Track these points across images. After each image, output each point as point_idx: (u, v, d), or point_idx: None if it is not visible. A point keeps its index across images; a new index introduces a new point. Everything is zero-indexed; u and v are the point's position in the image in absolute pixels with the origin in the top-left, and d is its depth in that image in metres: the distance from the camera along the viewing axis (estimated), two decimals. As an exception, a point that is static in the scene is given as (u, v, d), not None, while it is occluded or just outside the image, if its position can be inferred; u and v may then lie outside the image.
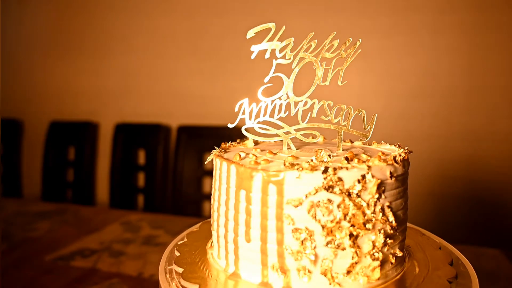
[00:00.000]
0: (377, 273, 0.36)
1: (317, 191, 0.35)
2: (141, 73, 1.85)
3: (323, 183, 0.35)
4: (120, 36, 1.86)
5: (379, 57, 1.41)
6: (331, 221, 0.35)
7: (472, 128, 1.34)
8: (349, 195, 0.35)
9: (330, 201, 0.35)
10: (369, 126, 0.45)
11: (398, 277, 0.38)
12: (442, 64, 1.35)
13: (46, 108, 2.02)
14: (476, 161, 1.33)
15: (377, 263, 0.36)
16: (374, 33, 1.42)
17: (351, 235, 0.35)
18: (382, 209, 0.36)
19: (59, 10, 1.95)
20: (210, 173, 1.64)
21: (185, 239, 0.48)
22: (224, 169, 0.40)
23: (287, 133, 0.46)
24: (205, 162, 0.45)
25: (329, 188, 0.35)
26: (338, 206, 0.35)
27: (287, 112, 0.46)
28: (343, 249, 0.35)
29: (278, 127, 0.46)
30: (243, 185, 0.37)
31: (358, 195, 0.35)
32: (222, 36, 1.70)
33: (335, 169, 0.35)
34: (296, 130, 0.46)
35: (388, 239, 0.37)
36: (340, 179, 0.35)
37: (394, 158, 0.38)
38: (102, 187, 1.94)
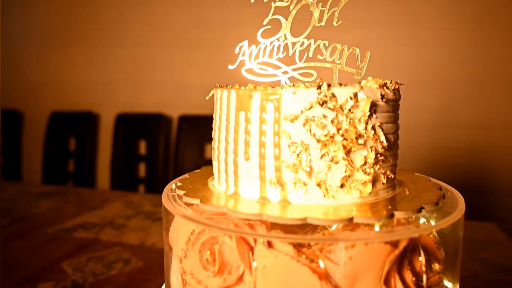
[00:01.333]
0: (368, 188, 0.39)
1: (312, 106, 0.37)
2: (142, 63, 1.88)
3: (317, 98, 0.37)
4: (120, 27, 1.89)
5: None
6: (325, 135, 0.37)
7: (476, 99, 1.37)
8: (342, 110, 0.37)
9: (324, 116, 0.37)
10: (363, 63, 0.47)
11: (389, 196, 0.41)
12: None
13: (47, 99, 2.04)
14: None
15: (369, 178, 0.38)
16: None
17: (344, 148, 0.37)
18: (374, 128, 0.39)
19: (60, 1, 1.99)
20: (210, 162, 1.66)
21: (187, 176, 0.50)
22: (224, 97, 0.42)
23: (285, 72, 0.48)
24: (206, 98, 0.47)
25: (323, 104, 0.37)
26: (332, 121, 0.37)
27: (285, 53, 0.48)
28: (337, 162, 0.37)
29: (276, 68, 0.49)
30: (243, 106, 0.40)
31: (350, 111, 0.37)
32: (223, 25, 1.73)
33: (329, 85, 0.37)
34: (294, 70, 0.48)
35: (379, 156, 0.39)
36: (333, 95, 0.37)
37: (385, 83, 0.41)
38: (103, 178, 1.96)
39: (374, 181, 0.39)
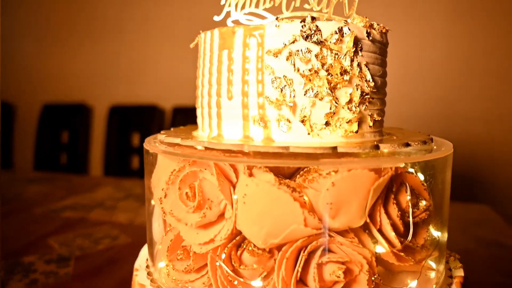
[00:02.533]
0: (354, 127, 0.38)
1: (295, 40, 0.36)
2: (135, 55, 1.87)
3: (301, 31, 0.36)
4: (114, 19, 1.89)
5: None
6: (309, 70, 0.36)
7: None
8: (327, 45, 0.36)
9: (308, 50, 0.36)
10: (351, 12, 0.46)
11: (376, 139, 0.40)
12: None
13: (39, 91, 2.03)
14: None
15: (354, 116, 0.37)
16: None
17: (329, 83, 0.36)
18: (359, 66, 0.38)
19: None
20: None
21: (171, 129, 0.49)
22: (208, 38, 0.41)
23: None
24: (191, 46, 0.46)
25: (307, 37, 0.36)
26: (316, 56, 0.36)
27: (272, 3, 0.47)
28: (321, 98, 0.37)
29: (263, 18, 0.48)
30: (226, 44, 0.39)
31: (335, 45, 0.36)
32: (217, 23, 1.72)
33: (313, 18, 0.36)
34: (280, 20, 0.47)
35: (365, 96, 0.38)
36: (318, 29, 0.36)
37: (372, 24, 0.40)
38: (96, 171, 1.94)
39: (360, 122, 0.38)
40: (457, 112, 1.40)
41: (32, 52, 2.06)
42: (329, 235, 0.33)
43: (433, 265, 0.40)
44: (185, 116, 1.74)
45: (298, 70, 0.36)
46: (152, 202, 0.45)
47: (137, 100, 1.86)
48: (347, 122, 0.38)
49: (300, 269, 0.32)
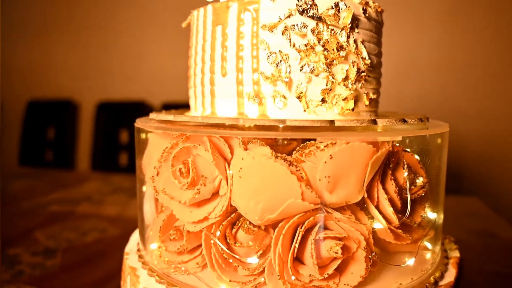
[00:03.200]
0: (350, 104, 0.37)
1: (291, 14, 0.35)
2: (123, 50, 1.85)
3: (297, 5, 0.35)
4: (101, 13, 1.86)
5: None
6: (305, 45, 0.36)
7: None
8: (323, 19, 0.36)
9: (304, 25, 0.35)
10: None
11: (371, 118, 0.39)
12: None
13: (25, 87, 1.99)
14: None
15: (351, 93, 0.37)
16: None
17: (325, 59, 0.36)
18: (355, 43, 0.37)
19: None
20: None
21: (163, 111, 0.48)
22: (201, 15, 0.40)
23: None
24: (183, 25, 0.45)
25: (303, 12, 0.35)
26: (312, 31, 0.36)
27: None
28: (317, 74, 0.36)
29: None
30: (220, 20, 0.38)
31: (331, 20, 0.36)
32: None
33: (309, -8, 0.36)
34: None
35: (362, 73, 0.37)
36: (314, 3, 0.35)
37: (367, 2, 0.39)
38: (83, 168, 1.91)
39: (356, 100, 0.38)
40: (446, 107, 1.41)
41: (17, 47, 2.02)
42: (326, 211, 0.32)
43: (429, 246, 0.40)
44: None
45: (294, 45, 0.36)
46: (144, 188, 0.43)
47: (126, 97, 1.84)
48: (343, 100, 0.37)
49: (297, 245, 0.31)
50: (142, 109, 1.75)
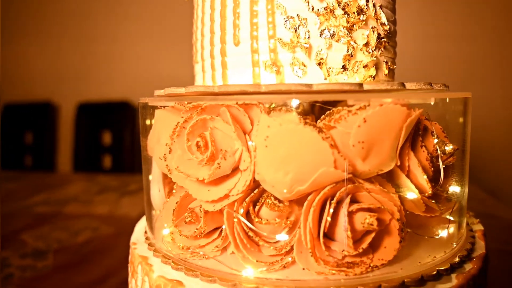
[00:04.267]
0: (372, 71, 0.35)
1: (309, -24, 0.33)
2: (104, 48, 1.79)
3: (315, -34, 0.33)
4: (79, 10, 1.80)
5: None
6: (325, 8, 0.33)
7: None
8: (342, -19, 0.34)
9: (322, -14, 0.33)
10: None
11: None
12: None
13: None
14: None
15: (372, 59, 0.35)
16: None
17: (346, 22, 0.34)
18: (374, 7, 0.35)
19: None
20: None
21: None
22: (208, -18, 0.38)
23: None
24: (186, -1, 0.43)
25: (322, -27, 0.33)
26: (331, -7, 0.34)
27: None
28: (338, 39, 0.34)
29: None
30: (230, -14, 0.35)
31: (351, -18, 0.34)
32: (187, 11, 1.68)
33: (327, -48, 0.33)
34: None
35: (382, 39, 0.36)
36: (332, -36, 0.33)
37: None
38: (64, 173, 1.84)
39: (376, 68, 0.36)
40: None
41: (-10, 49, 1.94)
42: (358, 181, 0.30)
43: (451, 219, 0.38)
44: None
45: (313, 9, 0.33)
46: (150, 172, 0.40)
47: (108, 97, 1.78)
48: (364, 67, 0.35)
49: (329, 219, 0.29)
50: (126, 109, 1.70)
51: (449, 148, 0.34)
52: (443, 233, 0.34)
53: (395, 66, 0.39)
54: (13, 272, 0.58)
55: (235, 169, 0.32)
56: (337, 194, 0.29)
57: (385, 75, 0.37)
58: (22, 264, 0.61)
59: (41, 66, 1.87)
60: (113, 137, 1.74)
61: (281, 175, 0.29)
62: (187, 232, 0.35)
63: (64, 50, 1.85)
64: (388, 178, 0.33)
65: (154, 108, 0.38)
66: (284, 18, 0.34)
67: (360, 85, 0.30)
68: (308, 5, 0.33)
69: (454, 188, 0.36)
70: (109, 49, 1.79)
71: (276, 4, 0.34)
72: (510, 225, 0.76)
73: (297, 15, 0.34)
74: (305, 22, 0.33)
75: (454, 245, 0.35)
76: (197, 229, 0.34)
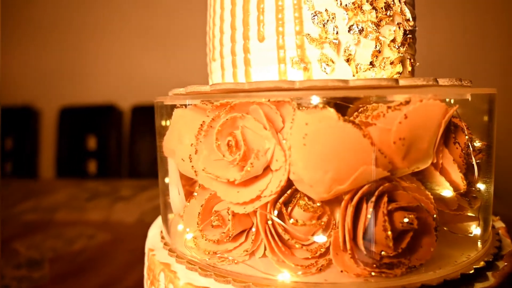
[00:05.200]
0: (399, 67, 0.35)
1: (337, -30, 0.32)
2: (87, 50, 1.75)
3: (343, -40, 0.32)
4: (61, 12, 1.75)
5: None
6: (353, 3, 0.33)
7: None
8: (370, -24, 0.33)
9: (350, -18, 0.33)
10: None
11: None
12: None
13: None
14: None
15: (399, 56, 0.34)
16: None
17: (375, 17, 0.33)
18: (400, 3, 0.35)
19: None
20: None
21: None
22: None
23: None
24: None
25: (349, -33, 0.33)
26: (359, -12, 0.33)
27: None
28: (366, 35, 0.33)
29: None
30: (254, -21, 0.34)
31: (378, -24, 0.33)
32: (174, 12, 1.66)
33: None
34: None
35: (407, 35, 0.35)
36: (359, -42, 0.33)
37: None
38: (47, 178, 1.78)
39: (402, 64, 0.36)
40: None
41: (-34, 52, 1.86)
42: (395, 180, 0.29)
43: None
44: (148, 116, 1.64)
45: (341, 4, 0.33)
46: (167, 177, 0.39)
47: (92, 100, 1.74)
48: (391, 64, 0.34)
49: (370, 216, 0.28)
50: (111, 113, 1.66)
51: (478, 144, 0.33)
52: (476, 231, 0.33)
53: (417, 63, 0.38)
54: (8, 284, 0.55)
55: (267, 168, 0.31)
56: (376, 193, 0.29)
57: (409, 72, 0.37)
58: (17, 275, 0.58)
59: (22, 69, 1.81)
60: (98, 142, 1.70)
61: (320, 174, 0.27)
62: (212, 236, 0.33)
63: (46, 53, 1.79)
64: (418, 175, 0.32)
65: (172, 107, 0.36)
66: (311, 13, 0.33)
67: (396, 80, 0.29)
68: (337, 0, 0.33)
69: (480, 186, 0.36)
70: (93, 51, 1.75)
71: (303, -2, 0.33)
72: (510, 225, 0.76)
73: (325, 10, 0.33)
74: (333, 17, 0.33)
75: (479, 244, 0.34)
76: (224, 232, 0.32)
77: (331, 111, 0.28)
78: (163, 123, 0.39)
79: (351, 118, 0.28)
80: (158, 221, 0.46)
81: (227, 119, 0.30)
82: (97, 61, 1.75)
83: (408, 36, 0.35)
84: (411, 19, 0.36)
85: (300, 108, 0.29)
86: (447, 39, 1.39)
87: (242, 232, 0.34)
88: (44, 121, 1.80)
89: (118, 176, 1.66)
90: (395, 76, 0.35)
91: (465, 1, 1.37)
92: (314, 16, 0.33)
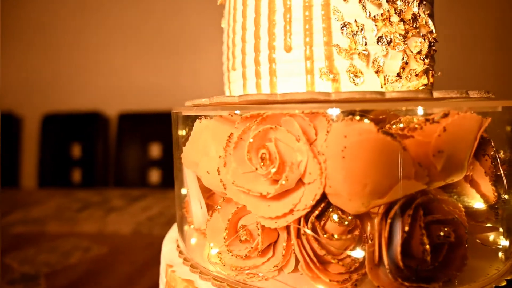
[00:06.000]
0: (424, 79, 0.34)
1: (366, -19, 0.32)
2: (71, 55, 1.71)
3: (371, -29, 0.32)
4: (44, 18, 1.71)
5: None
6: (382, 15, 0.33)
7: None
8: (397, -12, 0.33)
9: (379, -7, 0.32)
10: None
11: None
12: None
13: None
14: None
15: (424, 67, 0.34)
16: None
17: (402, 30, 0.33)
18: (425, 15, 0.35)
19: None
20: (157, 163, 1.54)
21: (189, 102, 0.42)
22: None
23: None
24: (218, 3, 0.40)
25: (378, -22, 0.32)
26: (387, 0, 0.33)
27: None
28: (394, 47, 0.33)
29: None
30: (280, -11, 0.34)
31: (405, -12, 0.33)
32: (161, 19, 1.64)
33: (382, -42, 0.33)
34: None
35: (432, 47, 0.35)
36: (387, -30, 0.33)
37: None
38: (28, 187, 1.72)
39: (426, 76, 0.36)
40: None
41: None
42: (431, 192, 0.29)
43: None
44: (134, 123, 1.61)
45: (370, 15, 0.32)
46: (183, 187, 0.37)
47: (76, 107, 1.70)
48: (416, 75, 0.34)
49: (407, 230, 0.28)
50: (97, 120, 1.63)
51: (503, 156, 0.33)
52: (504, 242, 0.33)
53: (437, 74, 0.39)
54: (5, 301, 0.52)
55: (299, 181, 0.30)
56: (413, 206, 0.28)
57: (431, 83, 0.37)
58: (13, 292, 0.55)
59: (3, 74, 1.75)
60: (84, 150, 1.65)
61: (359, 188, 0.27)
62: (238, 252, 0.32)
63: (29, 57, 1.74)
64: (448, 188, 0.32)
65: (193, 118, 0.35)
66: (341, 24, 0.32)
67: (431, 92, 0.29)
68: (366, 11, 0.32)
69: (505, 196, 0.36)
70: (79, 56, 1.71)
71: (332, 9, 0.32)
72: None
73: (355, 20, 0.32)
74: (362, 29, 0.32)
75: (502, 255, 0.34)
76: (252, 247, 0.31)
77: (370, 123, 0.27)
78: (180, 132, 0.37)
79: (389, 131, 0.28)
80: (170, 234, 0.44)
81: (259, 131, 0.29)
82: (82, 66, 1.71)
83: (433, 48, 0.35)
84: (434, 31, 0.36)
85: (335, 120, 0.29)
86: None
87: (268, 246, 0.33)
88: (26, 129, 1.74)
89: (104, 184, 1.62)
90: (421, 88, 0.34)
91: (460, 8, 1.40)
92: (343, 27, 0.32)
